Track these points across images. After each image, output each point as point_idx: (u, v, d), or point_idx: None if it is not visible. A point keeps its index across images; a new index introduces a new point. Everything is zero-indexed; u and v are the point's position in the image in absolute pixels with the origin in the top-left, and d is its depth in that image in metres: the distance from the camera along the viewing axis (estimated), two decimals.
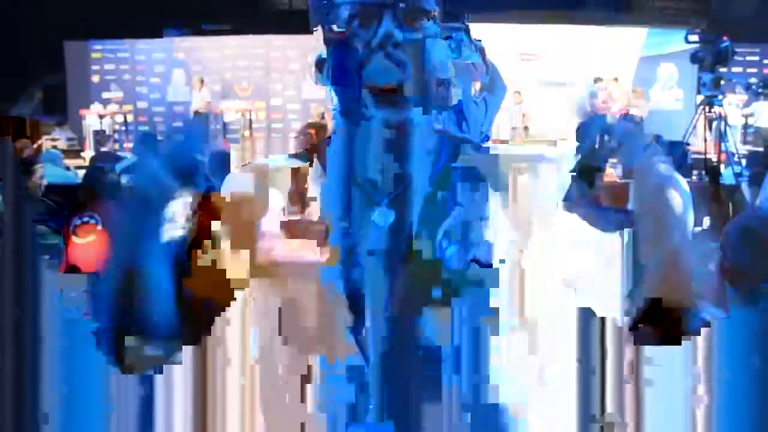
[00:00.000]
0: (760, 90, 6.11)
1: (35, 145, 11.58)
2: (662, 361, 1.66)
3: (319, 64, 1.06)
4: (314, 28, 0.97)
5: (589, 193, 3.11)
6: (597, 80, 12.59)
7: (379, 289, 1.05)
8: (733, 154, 6.05)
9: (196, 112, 13.09)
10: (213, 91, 14.15)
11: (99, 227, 3.93)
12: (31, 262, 1.54)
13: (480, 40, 2.87)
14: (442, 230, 1.09)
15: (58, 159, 7.34)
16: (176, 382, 1.57)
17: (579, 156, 3.14)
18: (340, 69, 0.95)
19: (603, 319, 1.61)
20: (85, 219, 3.94)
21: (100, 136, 10.86)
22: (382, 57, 0.96)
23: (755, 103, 11.27)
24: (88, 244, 3.90)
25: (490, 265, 1.05)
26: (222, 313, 1.62)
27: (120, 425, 1.64)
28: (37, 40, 13.51)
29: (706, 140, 6.93)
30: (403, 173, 1.07)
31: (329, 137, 1.03)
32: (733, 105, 12.18)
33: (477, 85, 2.86)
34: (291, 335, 1.37)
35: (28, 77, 15.19)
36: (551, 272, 1.12)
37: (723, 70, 6.21)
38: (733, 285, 1.82)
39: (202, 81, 13.27)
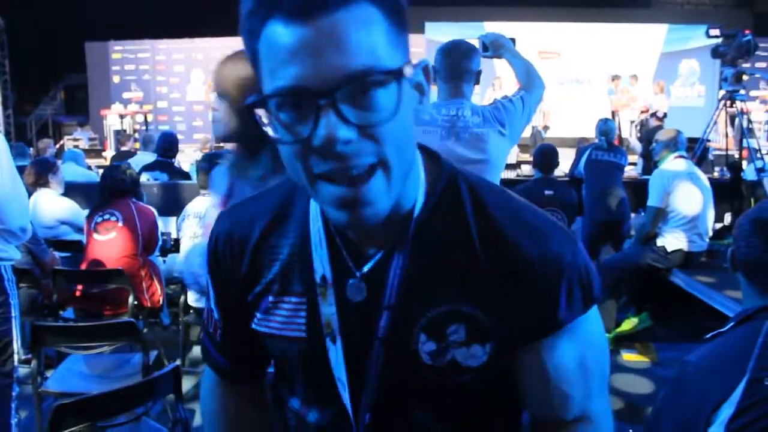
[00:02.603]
0: None
1: (57, 145, 11.75)
2: None
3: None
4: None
5: None
6: (615, 78, 12.49)
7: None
8: (756, 150, 5.96)
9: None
10: None
11: (119, 224, 3.97)
12: None
13: (513, 39, 2.89)
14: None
15: (80, 158, 7.41)
16: None
17: None
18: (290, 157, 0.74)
19: None
20: (106, 216, 3.98)
21: (120, 136, 10.95)
22: (326, 156, 0.71)
23: None
24: (109, 240, 3.94)
25: (470, 370, 0.83)
26: None
27: None
28: (60, 42, 13.66)
29: (727, 136, 6.85)
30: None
31: None
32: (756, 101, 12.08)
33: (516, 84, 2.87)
34: None
35: (51, 78, 15.39)
36: None
37: (746, 65, 6.13)
38: (748, 278, 1.80)
39: None
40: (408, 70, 0.73)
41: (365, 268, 0.84)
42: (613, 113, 11.95)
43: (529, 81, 2.78)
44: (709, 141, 6.67)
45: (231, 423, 1.08)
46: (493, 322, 0.82)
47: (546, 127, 12.71)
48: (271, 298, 0.90)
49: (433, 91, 0.86)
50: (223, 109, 1.77)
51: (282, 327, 0.89)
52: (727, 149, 6.99)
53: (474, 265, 0.82)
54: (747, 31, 5.78)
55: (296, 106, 0.70)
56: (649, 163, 6.84)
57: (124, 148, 9.02)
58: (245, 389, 1.08)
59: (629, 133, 11.98)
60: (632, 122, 12.21)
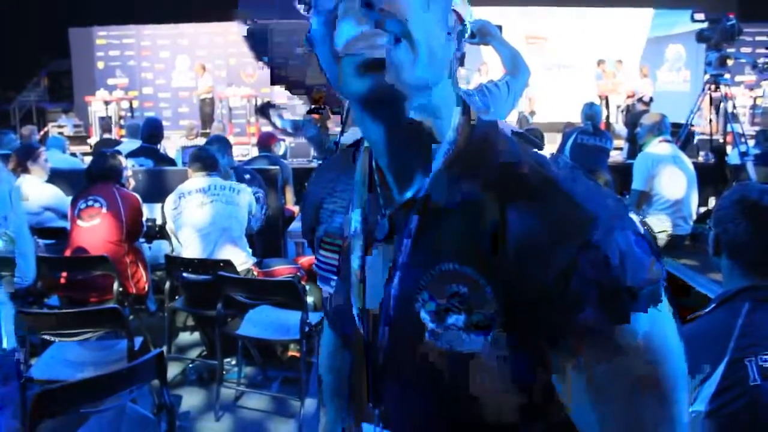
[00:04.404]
0: (767, 68, 6.01)
1: (41, 132, 11.64)
2: None
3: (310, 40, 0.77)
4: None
5: None
6: (600, 62, 12.52)
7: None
8: (740, 134, 6.00)
9: (201, 98, 13.11)
10: (219, 77, 14.14)
11: (103, 210, 3.94)
12: None
13: (499, 26, 2.90)
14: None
15: (64, 145, 7.35)
16: None
17: None
18: (320, 45, 0.75)
19: None
20: (90, 203, 3.95)
21: (104, 123, 10.87)
22: (348, 22, 0.71)
23: (765, 82, 11.20)
24: (93, 227, 3.92)
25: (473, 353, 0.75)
26: None
27: None
28: (43, 27, 13.51)
29: (711, 120, 6.88)
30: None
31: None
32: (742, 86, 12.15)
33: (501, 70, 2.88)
34: None
35: (34, 64, 15.22)
36: None
37: (731, 49, 6.15)
38: (733, 259, 1.81)
39: (203, 67, 13.28)
40: None
41: (390, 210, 0.83)
42: (600, 97, 11.98)
43: (515, 68, 2.80)
44: (692, 125, 6.70)
45: (327, 357, 1.21)
46: (498, 300, 0.73)
47: (533, 113, 12.72)
48: (321, 245, 0.95)
49: None
50: None
51: (324, 270, 0.94)
52: (711, 134, 7.02)
53: (488, 229, 0.74)
54: (731, 15, 5.80)
55: None
56: (635, 147, 6.87)
57: (106, 135, 8.95)
58: None
59: (615, 118, 12.02)
60: (618, 107, 12.26)
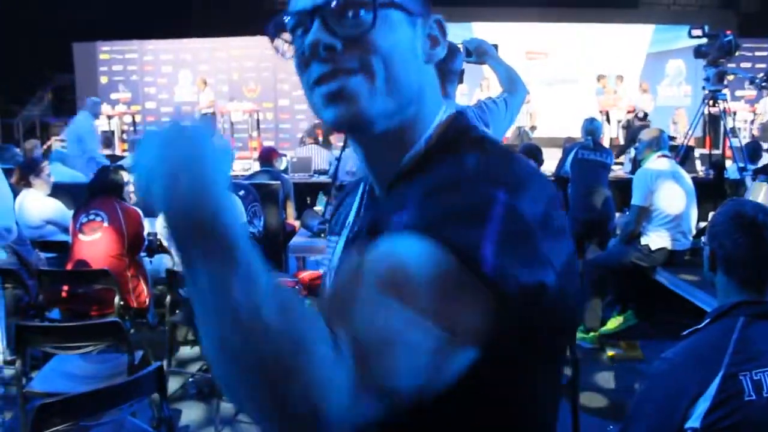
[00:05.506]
0: (763, 84, 6.02)
1: (45, 146, 11.68)
2: None
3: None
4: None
5: None
6: (600, 77, 12.57)
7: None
8: (739, 149, 6.02)
9: (203, 113, 13.16)
10: (221, 91, 14.19)
11: (105, 224, 3.96)
12: None
13: (495, 45, 2.94)
14: None
15: (67, 159, 7.40)
16: None
17: None
18: (301, 78, 0.88)
19: None
20: (91, 217, 3.98)
21: (104, 138, 10.90)
22: (316, 63, 0.83)
23: (764, 99, 11.23)
24: (95, 241, 3.94)
25: None
26: None
27: None
28: (47, 42, 13.59)
29: (710, 135, 6.91)
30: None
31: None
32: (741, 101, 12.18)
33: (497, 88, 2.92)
34: None
35: (38, 79, 15.31)
36: None
37: (731, 65, 6.19)
38: (729, 274, 1.83)
39: (205, 81, 13.33)
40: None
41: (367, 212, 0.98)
42: (601, 113, 12.01)
43: (512, 85, 2.85)
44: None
45: None
46: None
47: (533, 127, 12.76)
48: (330, 238, 1.14)
49: None
50: None
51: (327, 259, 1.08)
52: (710, 148, 7.04)
53: (410, 218, 0.76)
54: (728, 32, 5.83)
55: (302, 29, 0.85)
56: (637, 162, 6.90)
57: (106, 151, 8.97)
58: None
59: (616, 133, 12.06)
60: (619, 122, 12.29)
